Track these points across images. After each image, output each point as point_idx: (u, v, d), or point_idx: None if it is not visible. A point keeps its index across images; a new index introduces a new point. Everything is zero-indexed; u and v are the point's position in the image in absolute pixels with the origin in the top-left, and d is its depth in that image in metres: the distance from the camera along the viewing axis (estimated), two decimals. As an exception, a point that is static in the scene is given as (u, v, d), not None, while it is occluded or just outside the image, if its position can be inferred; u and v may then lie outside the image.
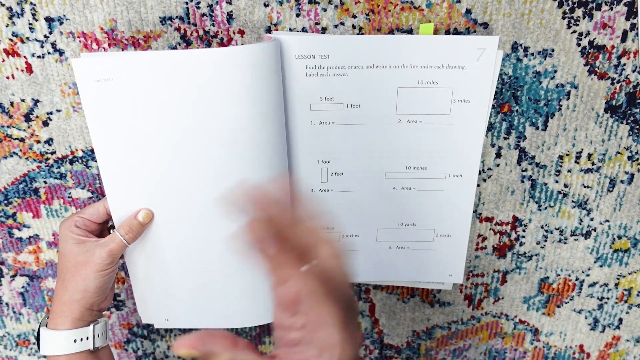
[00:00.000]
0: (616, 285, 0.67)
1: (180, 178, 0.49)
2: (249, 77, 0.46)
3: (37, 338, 0.51)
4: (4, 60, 0.52)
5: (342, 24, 0.51)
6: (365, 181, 0.57)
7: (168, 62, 0.45)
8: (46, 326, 0.50)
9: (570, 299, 0.68)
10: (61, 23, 0.51)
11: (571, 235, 0.63)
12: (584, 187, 0.60)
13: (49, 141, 0.57)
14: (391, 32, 0.51)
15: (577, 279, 0.67)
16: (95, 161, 0.58)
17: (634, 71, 0.53)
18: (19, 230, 0.62)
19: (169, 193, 0.50)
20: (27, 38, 0.51)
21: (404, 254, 0.61)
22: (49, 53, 0.52)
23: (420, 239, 0.60)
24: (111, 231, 0.53)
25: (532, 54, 0.52)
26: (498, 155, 0.58)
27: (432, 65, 0.51)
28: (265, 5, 0.50)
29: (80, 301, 0.49)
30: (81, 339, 0.49)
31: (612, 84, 0.54)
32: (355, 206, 0.58)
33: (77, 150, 0.57)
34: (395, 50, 0.50)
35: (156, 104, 0.46)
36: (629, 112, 0.55)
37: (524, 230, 0.63)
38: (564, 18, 0.51)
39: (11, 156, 0.58)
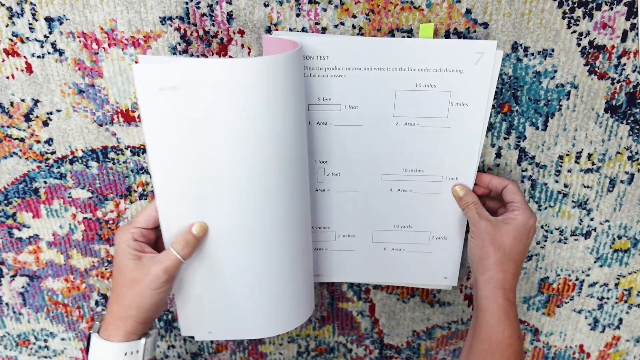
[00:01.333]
0: (616, 285, 0.67)
1: (234, 189, 0.48)
2: (297, 83, 0.46)
3: (87, 344, 0.50)
4: (4, 60, 0.52)
5: (342, 24, 0.51)
6: (361, 182, 0.57)
7: (236, 69, 0.43)
8: (97, 333, 0.50)
9: (570, 299, 0.68)
10: (61, 23, 0.51)
11: (571, 235, 0.63)
12: (584, 187, 0.60)
13: (49, 141, 0.57)
14: (391, 32, 0.51)
15: (577, 279, 0.67)
16: (95, 161, 0.58)
17: (634, 71, 0.53)
18: (19, 230, 0.62)
19: (222, 204, 0.48)
20: (27, 38, 0.51)
21: (399, 256, 0.61)
22: (48, 53, 0.52)
23: (415, 241, 0.60)
24: (165, 246, 0.51)
25: (532, 54, 0.52)
26: (498, 155, 0.58)
27: (430, 69, 0.51)
28: (265, 5, 0.50)
29: (134, 317, 0.48)
30: (132, 352, 0.49)
31: (612, 84, 0.54)
32: (351, 207, 0.58)
33: (77, 150, 0.57)
34: (393, 53, 0.50)
35: (220, 113, 0.44)
36: (629, 112, 0.55)
37: (524, 230, 0.63)
38: (564, 18, 0.51)
39: (11, 156, 0.58)
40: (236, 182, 0.48)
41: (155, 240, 0.52)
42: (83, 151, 0.57)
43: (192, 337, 0.55)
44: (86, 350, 0.50)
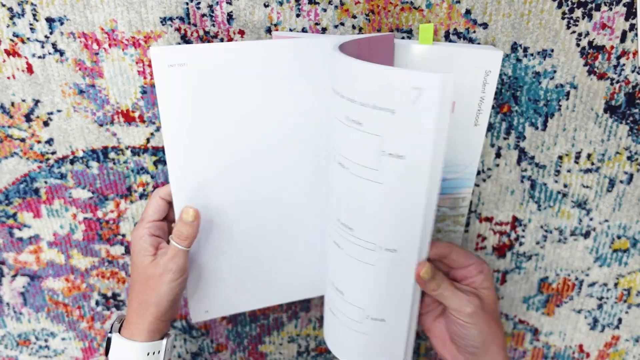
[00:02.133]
0: (615, 285, 0.67)
1: (246, 167, 0.49)
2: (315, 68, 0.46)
3: (107, 343, 0.50)
4: (4, 61, 0.52)
5: (342, 24, 0.51)
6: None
7: (246, 53, 0.45)
8: (119, 332, 0.50)
9: (570, 299, 0.68)
10: (62, 23, 0.51)
11: (571, 235, 0.63)
12: (584, 187, 0.60)
13: (50, 141, 0.57)
14: (391, 32, 0.51)
15: (576, 279, 0.67)
16: (96, 161, 0.58)
17: (633, 71, 0.53)
18: (20, 230, 0.62)
19: (233, 182, 0.49)
20: (28, 38, 0.51)
21: (337, 324, 0.49)
22: (49, 53, 0.52)
23: (348, 314, 0.47)
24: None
25: (532, 54, 0.52)
26: (498, 155, 0.58)
27: (357, 101, 0.37)
28: (265, 6, 0.50)
29: (154, 313, 0.49)
30: (154, 352, 0.49)
31: (612, 84, 0.54)
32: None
33: (77, 150, 0.57)
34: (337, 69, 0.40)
35: (229, 91, 0.46)
36: (628, 112, 0.56)
37: (523, 230, 0.63)
38: (563, 18, 0.51)
39: (12, 156, 0.58)
40: (248, 161, 0.49)
41: (170, 232, 0.52)
42: (84, 151, 0.57)
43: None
44: (106, 352, 0.50)
